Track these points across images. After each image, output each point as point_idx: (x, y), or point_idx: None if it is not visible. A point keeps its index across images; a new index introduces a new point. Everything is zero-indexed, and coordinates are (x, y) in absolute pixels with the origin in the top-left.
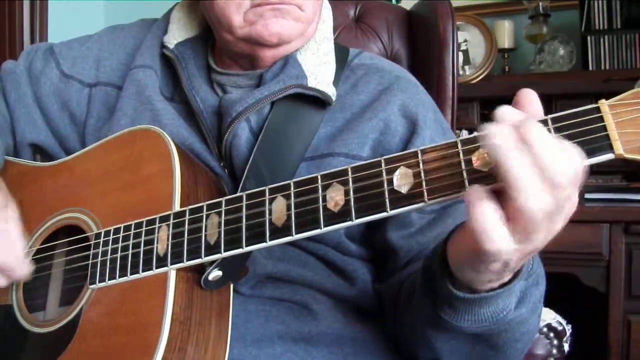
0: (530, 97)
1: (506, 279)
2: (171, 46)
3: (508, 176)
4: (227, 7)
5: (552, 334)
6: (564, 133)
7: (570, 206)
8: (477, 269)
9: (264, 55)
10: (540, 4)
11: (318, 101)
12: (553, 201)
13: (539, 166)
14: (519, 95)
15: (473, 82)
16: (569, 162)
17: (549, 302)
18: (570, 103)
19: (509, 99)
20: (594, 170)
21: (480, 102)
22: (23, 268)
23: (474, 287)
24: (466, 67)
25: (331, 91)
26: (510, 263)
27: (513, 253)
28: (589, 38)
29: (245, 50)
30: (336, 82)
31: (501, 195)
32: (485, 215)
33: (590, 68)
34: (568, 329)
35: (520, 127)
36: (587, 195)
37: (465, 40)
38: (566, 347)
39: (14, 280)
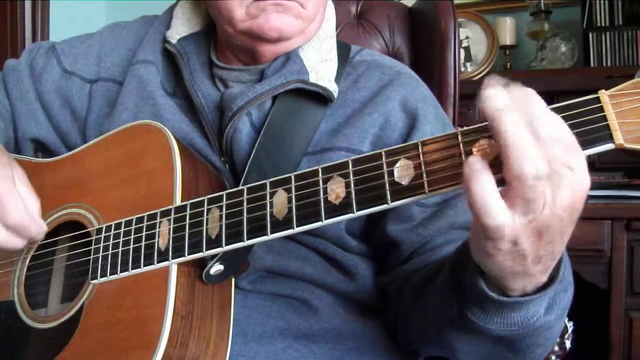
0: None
1: (539, 278)
2: (174, 41)
3: (501, 135)
4: (230, 0)
5: None
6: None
7: (570, 173)
8: (486, 249)
9: (264, 50)
10: (542, 1)
11: (319, 97)
12: (546, 165)
13: (532, 125)
14: None
15: (474, 79)
16: (561, 127)
17: None
18: (572, 100)
19: None
20: (595, 167)
21: None
22: (37, 225)
23: (504, 286)
24: (468, 64)
25: (333, 88)
26: (520, 242)
27: (519, 229)
28: (590, 35)
29: (246, 44)
30: (338, 79)
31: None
32: (483, 187)
33: (592, 65)
34: (570, 326)
35: (512, 91)
36: (588, 192)
37: (467, 37)
38: (568, 344)
39: (29, 240)
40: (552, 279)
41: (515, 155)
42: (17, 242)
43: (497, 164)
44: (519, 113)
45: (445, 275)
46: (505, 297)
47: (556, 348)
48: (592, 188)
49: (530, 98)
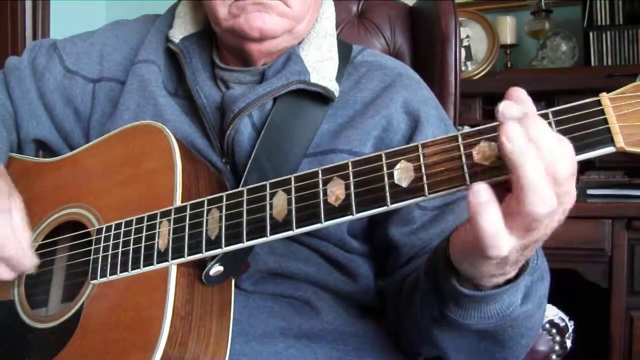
0: (520, 96)
1: (510, 274)
2: (176, 40)
3: (522, 180)
4: (213, 0)
5: (554, 330)
6: (565, 126)
7: (570, 199)
8: (476, 264)
9: (251, 49)
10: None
11: (320, 97)
12: (555, 199)
13: (547, 166)
14: (508, 94)
15: (475, 78)
16: (569, 156)
17: (551, 298)
18: (572, 99)
19: None
20: (596, 166)
21: (482, 98)
22: (29, 260)
23: (477, 282)
24: (468, 63)
25: (334, 87)
26: (509, 257)
27: (512, 249)
28: (591, 34)
29: (233, 43)
30: (339, 79)
31: (499, 188)
32: (493, 222)
33: (592, 64)
34: (570, 325)
35: (528, 126)
36: (589, 191)
37: (468, 36)
38: (568, 343)
39: (20, 273)
40: (522, 269)
41: (532, 199)
42: (8, 274)
43: (498, 165)
44: (538, 157)
45: (423, 277)
46: (479, 292)
47: (557, 347)
48: (593, 187)
49: (545, 135)
